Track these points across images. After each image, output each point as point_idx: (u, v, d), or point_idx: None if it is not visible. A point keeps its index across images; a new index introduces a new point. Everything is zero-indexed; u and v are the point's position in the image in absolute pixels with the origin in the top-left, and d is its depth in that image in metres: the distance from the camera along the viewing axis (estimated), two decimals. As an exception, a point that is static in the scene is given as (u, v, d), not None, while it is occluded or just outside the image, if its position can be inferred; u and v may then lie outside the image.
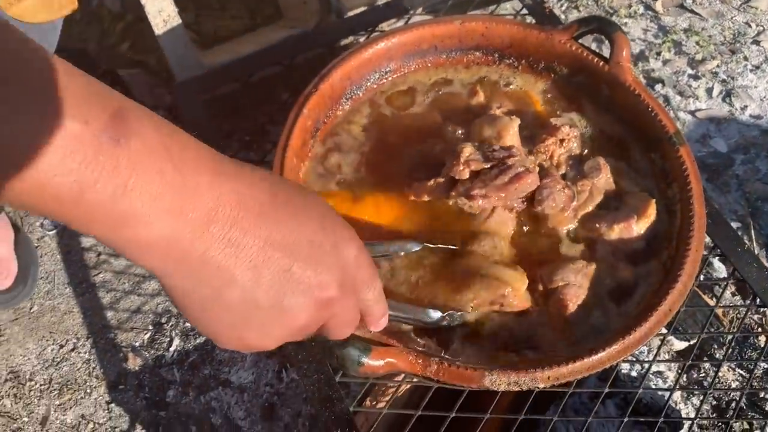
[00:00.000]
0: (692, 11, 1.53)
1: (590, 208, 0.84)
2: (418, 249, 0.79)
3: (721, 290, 1.03)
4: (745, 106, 1.41)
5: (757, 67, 1.46)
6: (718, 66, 1.46)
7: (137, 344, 1.19)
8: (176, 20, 1.13)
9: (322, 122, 0.90)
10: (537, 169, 0.82)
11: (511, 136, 0.84)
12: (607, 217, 0.83)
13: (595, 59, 0.90)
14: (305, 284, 0.46)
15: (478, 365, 0.71)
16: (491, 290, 0.75)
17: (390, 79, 0.95)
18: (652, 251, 0.83)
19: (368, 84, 0.94)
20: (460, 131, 0.89)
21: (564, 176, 0.86)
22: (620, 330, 0.74)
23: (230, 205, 0.41)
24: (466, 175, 0.81)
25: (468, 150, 0.82)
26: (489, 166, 0.81)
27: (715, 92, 1.43)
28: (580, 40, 0.93)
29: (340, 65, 0.90)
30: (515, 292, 0.76)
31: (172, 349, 1.19)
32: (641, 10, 1.55)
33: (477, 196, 0.80)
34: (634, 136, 0.89)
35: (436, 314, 0.77)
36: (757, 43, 1.48)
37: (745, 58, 1.47)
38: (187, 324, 1.20)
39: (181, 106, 1.10)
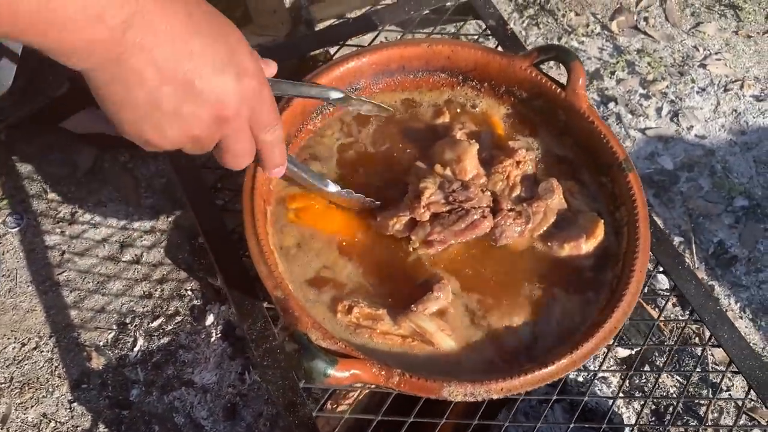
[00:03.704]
0: (645, 33, 1.61)
1: (545, 228, 0.90)
2: (339, 96, 0.85)
3: (663, 302, 1.10)
4: (691, 126, 1.49)
5: (703, 90, 1.54)
6: (667, 87, 1.54)
7: (101, 343, 1.21)
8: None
9: (293, 136, 0.94)
10: (491, 199, 0.88)
11: (470, 159, 0.90)
12: (558, 236, 0.89)
13: (553, 86, 0.96)
14: (203, 99, 0.53)
15: (437, 377, 0.76)
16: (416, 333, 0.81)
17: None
18: (600, 268, 0.89)
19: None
20: (420, 158, 0.94)
21: (519, 197, 0.91)
22: (569, 345, 0.80)
23: (147, 16, 0.47)
24: (426, 217, 0.86)
25: (429, 191, 0.87)
26: (448, 209, 0.87)
27: (664, 112, 1.51)
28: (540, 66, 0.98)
29: (314, 80, 0.93)
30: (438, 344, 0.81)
31: (136, 349, 1.20)
32: (598, 29, 1.62)
33: (435, 242, 0.85)
34: (587, 159, 0.96)
35: (334, 187, 0.86)
36: (703, 66, 1.57)
37: (693, 81, 1.55)
38: (151, 324, 1.23)
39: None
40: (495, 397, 0.76)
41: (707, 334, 1.22)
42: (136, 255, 1.29)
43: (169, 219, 1.33)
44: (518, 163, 0.93)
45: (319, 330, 0.76)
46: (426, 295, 0.82)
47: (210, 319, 1.22)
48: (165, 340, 1.22)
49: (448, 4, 1.26)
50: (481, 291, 0.86)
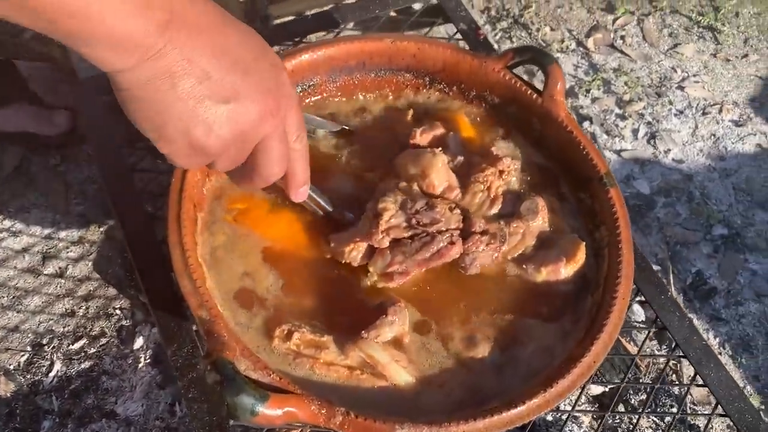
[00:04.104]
0: (622, 52, 1.54)
1: (520, 251, 0.80)
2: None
3: (643, 338, 1.00)
4: (669, 150, 1.42)
5: (681, 112, 1.47)
6: (644, 108, 1.47)
7: (11, 367, 1.06)
8: None
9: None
10: (461, 218, 0.77)
11: (437, 172, 0.79)
12: (535, 259, 0.79)
13: (529, 91, 0.86)
14: (251, 89, 0.52)
15: (388, 417, 0.64)
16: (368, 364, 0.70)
17: (311, 101, 0.88)
18: (579, 295, 0.78)
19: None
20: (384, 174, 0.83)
21: (497, 214, 0.81)
22: (542, 382, 0.69)
23: (183, 12, 0.47)
24: (385, 244, 0.75)
25: (389, 212, 0.76)
26: (410, 234, 0.75)
27: (640, 133, 1.43)
28: (514, 71, 0.89)
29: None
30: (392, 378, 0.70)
31: (51, 374, 1.06)
32: (573, 45, 1.54)
33: (395, 274, 0.74)
34: (564, 172, 0.86)
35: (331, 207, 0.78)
36: (681, 88, 1.50)
37: (670, 102, 1.48)
38: (72, 346, 1.08)
39: (80, 104, 0.99)
40: (455, 442, 0.64)
41: (686, 371, 1.13)
42: (60, 268, 1.15)
43: (101, 229, 1.19)
44: (501, 172, 0.82)
45: (249, 358, 0.64)
46: (379, 319, 0.71)
47: (139, 341, 1.09)
48: (86, 364, 1.07)
49: (417, 5, 1.17)
50: (443, 318, 0.75)
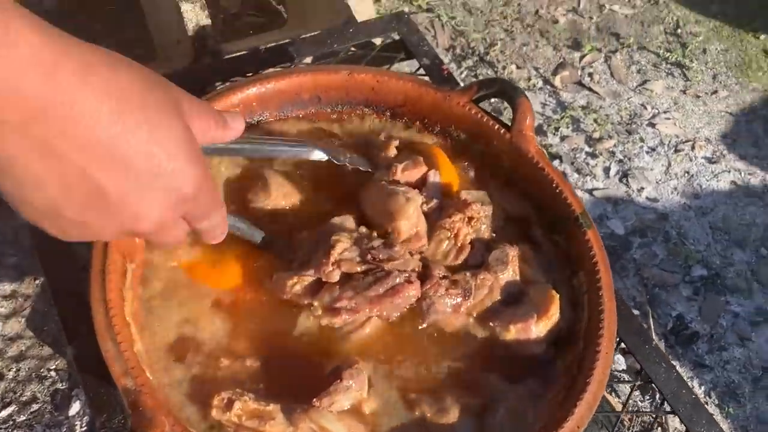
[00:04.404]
0: (590, 89, 1.50)
1: (487, 305, 0.72)
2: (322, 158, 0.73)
3: (625, 389, 0.93)
4: (642, 188, 1.37)
5: (653, 149, 1.43)
6: (615, 145, 1.42)
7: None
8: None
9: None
10: (420, 264, 0.70)
11: (408, 218, 0.71)
12: (503, 315, 0.71)
13: (496, 126, 0.80)
14: (124, 214, 0.45)
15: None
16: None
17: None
18: (554, 354, 0.71)
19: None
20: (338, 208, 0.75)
21: (466, 263, 0.73)
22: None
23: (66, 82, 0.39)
24: (335, 277, 0.66)
25: (342, 245, 0.68)
26: (364, 269, 0.68)
27: (612, 172, 1.38)
28: (481, 106, 0.83)
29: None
30: None
31: (-28, 447, 0.95)
32: (540, 83, 1.50)
33: (342, 310, 0.65)
34: (536, 213, 0.79)
35: (260, 237, 0.71)
36: (652, 125, 1.46)
37: (642, 140, 1.44)
38: (-2, 415, 0.97)
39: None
40: None
41: (672, 422, 1.06)
42: (-12, 325, 1.05)
43: (36, 282, 1.09)
44: (470, 219, 0.74)
45: (182, 435, 0.55)
46: (332, 384, 0.62)
47: (75, 407, 0.98)
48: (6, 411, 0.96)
49: (377, 40, 1.11)
50: (407, 381, 0.66)
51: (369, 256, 0.68)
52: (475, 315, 0.71)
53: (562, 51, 1.56)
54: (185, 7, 1.14)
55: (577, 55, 1.56)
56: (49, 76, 0.38)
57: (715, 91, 1.54)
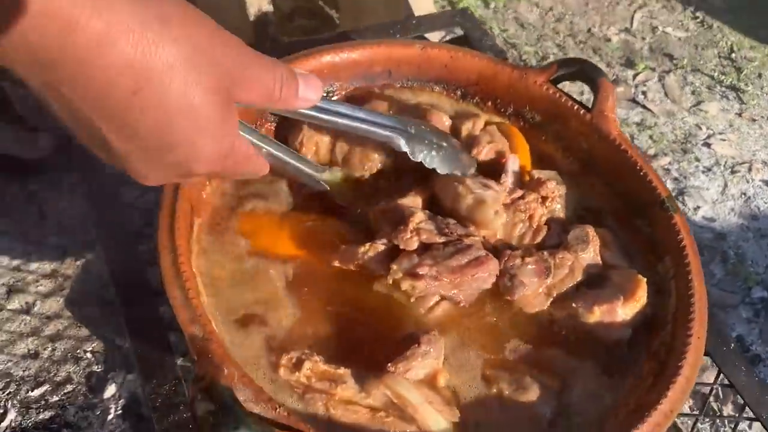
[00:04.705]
0: (644, 107, 1.47)
1: (568, 286, 0.67)
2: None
3: (706, 393, 0.87)
4: (698, 207, 1.32)
5: (709, 169, 1.39)
6: (669, 163, 1.38)
7: (-43, 415, 0.90)
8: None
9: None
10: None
11: (488, 225, 0.67)
12: (586, 297, 0.66)
13: (576, 106, 0.77)
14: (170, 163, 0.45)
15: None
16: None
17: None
18: (640, 341, 0.66)
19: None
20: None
21: (542, 245, 0.69)
22: (610, 433, 0.56)
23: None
24: (414, 245, 0.63)
25: (420, 215, 0.65)
26: (443, 240, 0.64)
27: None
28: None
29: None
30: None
31: (3, 424, 0.90)
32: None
33: (425, 276, 0.61)
34: (618, 198, 0.75)
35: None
36: (707, 145, 1.42)
37: (697, 159, 1.40)
38: (31, 393, 0.93)
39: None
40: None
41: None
42: (26, 303, 1.01)
43: (78, 263, 1.06)
44: (545, 199, 0.71)
45: (250, 387, 0.51)
46: (410, 349, 0.57)
47: (111, 390, 0.94)
48: (46, 414, 0.92)
49: (437, 35, 1.09)
50: (483, 358, 0.62)
51: (447, 230, 0.64)
52: (555, 296, 0.66)
53: (615, 68, 1.53)
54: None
55: (630, 72, 1.53)
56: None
57: (772, 116, 1.50)
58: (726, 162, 1.40)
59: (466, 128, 0.75)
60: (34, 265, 1.05)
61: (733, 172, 1.39)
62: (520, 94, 0.79)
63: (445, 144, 0.70)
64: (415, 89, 0.81)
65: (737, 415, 0.78)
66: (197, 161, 0.46)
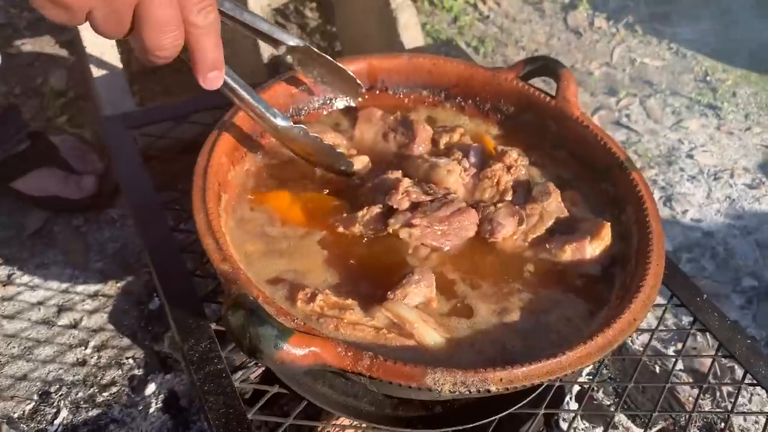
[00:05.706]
0: (628, 127, 1.60)
1: (541, 231, 0.78)
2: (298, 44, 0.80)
3: (683, 338, 0.94)
4: (686, 210, 1.42)
5: (694, 177, 1.49)
6: (656, 174, 1.49)
7: (15, 415, 1.00)
8: (113, 57, 1.10)
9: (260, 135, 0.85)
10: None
11: (448, 184, 0.80)
12: (558, 239, 0.77)
13: (542, 95, 0.89)
14: None
15: (418, 361, 0.59)
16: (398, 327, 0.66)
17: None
18: (609, 276, 0.76)
19: (308, 109, 0.90)
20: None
21: (511, 203, 0.81)
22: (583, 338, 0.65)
23: None
24: (405, 204, 0.75)
25: (407, 181, 0.77)
26: (430, 198, 0.76)
27: (655, 197, 1.44)
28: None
29: (278, 83, 0.86)
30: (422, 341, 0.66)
31: (57, 421, 1.00)
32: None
33: (418, 224, 0.73)
34: (584, 169, 0.86)
35: (284, 122, 0.74)
36: (690, 156, 1.53)
37: (681, 169, 1.51)
38: (81, 394, 1.03)
39: (108, 141, 1.03)
40: (492, 389, 0.59)
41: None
42: (74, 319, 1.13)
43: (118, 285, 1.18)
44: (509, 168, 0.83)
45: (272, 305, 0.61)
46: (405, 278, 0.68)
47: (151, 388, 1.03)
48: (94, 412, 1.01)
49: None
50: (471, 289, 0.72)
51: (431, 191, 0.76)
52: (530, 240, 0.77)
53: (598, 96, 1.67)
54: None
55: (613, 99, 1.66)
56: None
57: (749, 128, 1.61)
58: (709, 170, 1.51)
59: (444, 141, 0.87)
60: (80, 288, 1.17)
61: (716, 179, 1.49)
62: (494, 91, 0.92)
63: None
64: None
65: (714, 354, 0.85)
66: None
